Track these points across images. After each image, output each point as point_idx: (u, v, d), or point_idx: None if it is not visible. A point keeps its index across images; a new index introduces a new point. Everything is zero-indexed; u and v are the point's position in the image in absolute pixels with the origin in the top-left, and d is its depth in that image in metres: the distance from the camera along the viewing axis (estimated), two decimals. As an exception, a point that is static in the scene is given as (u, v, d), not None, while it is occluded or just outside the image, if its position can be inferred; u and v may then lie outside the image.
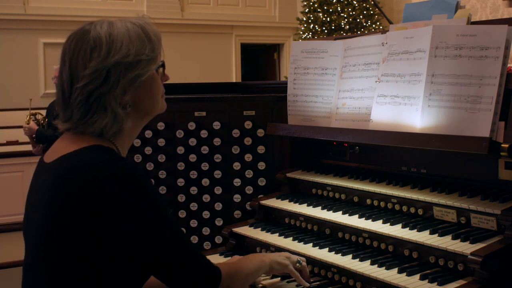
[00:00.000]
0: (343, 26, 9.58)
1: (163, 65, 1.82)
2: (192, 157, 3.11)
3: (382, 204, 2.41)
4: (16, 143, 8.40)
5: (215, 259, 2.57)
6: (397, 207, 2.35)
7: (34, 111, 6.83)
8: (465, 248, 1.92)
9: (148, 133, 3.13)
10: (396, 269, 2.03)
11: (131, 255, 1.62)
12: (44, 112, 7.15)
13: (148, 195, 1.64)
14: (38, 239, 1.64)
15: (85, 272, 1.59)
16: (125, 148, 1.80)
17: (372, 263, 2.11)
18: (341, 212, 2.44)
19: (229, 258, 2.53)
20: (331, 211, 2.48)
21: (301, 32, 9.95)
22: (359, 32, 9.29)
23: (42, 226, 1.63)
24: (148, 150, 3.16)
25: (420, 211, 2.27)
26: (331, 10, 9.68)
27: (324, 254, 2.27)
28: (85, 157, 1.64)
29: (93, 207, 1.57)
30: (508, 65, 2.09)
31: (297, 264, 2.16)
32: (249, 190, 3.05)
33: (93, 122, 1.68)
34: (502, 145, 1.99)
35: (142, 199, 1.62)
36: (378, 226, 2.23)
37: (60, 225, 1.59)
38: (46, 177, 1.68)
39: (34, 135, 6.25)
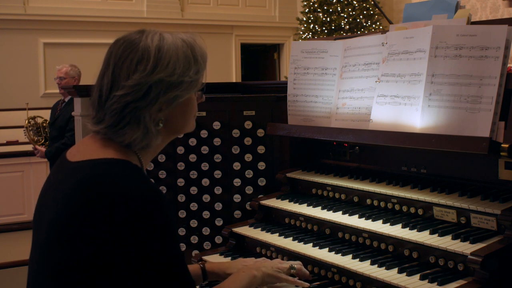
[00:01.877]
0: (343, 26, 9.58)
1: (203, 89, 1.80)
2: (192, 157, 3.11)
3: (382, 204, 2.41)
4: (16, 143, 8.41)
5: (215, 259, 2.58)
6: (397, 207, 2.35)
7: (32, 115, 6.85)
8: (465, 248, 1.92)
9: (148, 133, 3.13)
10: (396, 269, 2.03)
11: (129, 276, 1.60)
12: (43, 113, 7.17)
13: (165, 226, 1.59)
14: (48, 239, 1.63)
15: (87, 280, 1.58)
16: (147, 162, 1.79)
17: (372, 263, 2.11)
18: (341, 212, 2.44)
19: (230, 257, 2.53)
20: (331, 211, 2.49)
21: (301, 32, 9.95)
22: (359, 32, 9.29)
23: (53, 226, 1.61)
24: (148, 150, 3.16)
25: (420, 211, 2.27)
26: (331, 10, 9.68)
27: (324, 254, 2.27)
28: (113, 169, 1.61)
29: (109, 219, 1.54)
30: (508, 65, 2.09)
31: (291, 270, 2.13)
32: (249, 190, 3.05)
33: (123, 133, 1.66)
34: (502, 145, 1.99)
35: (155, 228, 1.58)
36: (378, 226, 2.23)
37: (71, 229, 1.58)
38: (67, 176, 1.65)
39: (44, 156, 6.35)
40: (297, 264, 2.18)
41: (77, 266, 1.57)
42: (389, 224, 2.23)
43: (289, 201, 2.72)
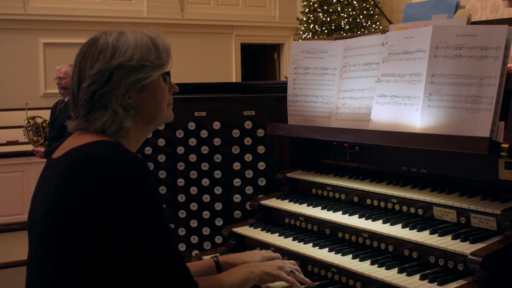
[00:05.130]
0: (343, 26, 9.58)
1: (168, 74, 1.87)
2: (192, 157, 3.11)
3: (382, 204, 2.41)
4: (16, 143, 8.40)
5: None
6: (397, 207, 2.35)
7: (32, 115, 6.85)
8: (465, 248, 1.92)
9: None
10: (396, 269, 2.03)
11: (123, 249, 1.63)
12: (43, 113, 7.17)
13: (149, 191, 1.66)
14: (43, 228, 1.68)
15: (85, 263, 1.61)
16: (131, 150, 1.82)
17: (372, 263, 2.11)
18: (341, 212, 2.44)
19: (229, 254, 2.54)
20: (331, 211, 2.49)
21: (301, 32, 9.95)
22: (359, 32, 9.29)
23: (45, 219, 1.66)
24: (148, 150, 3.16)
25: (420, 211, 2.27)
26: (331, 10, 9.68)
27: (324, 254, 2.27)
28: (95, 147, 1.70)
29: (97, 193, 1.61)
30: (508, 65, 2.09)
31: (291, 274, 2.14)
32: (249, 190, 3.05)
33: (94, 119, 1.75)
34: (502, 145, 1.99)
35: (143, 193, 1.65)
36: (378, 226, 2.23)
37: (65, 212, 1.63)
38: (54, 170, 1.74)
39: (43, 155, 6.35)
40: (297, 270, 2.17)
41: (73, 249, 1.62)
42: (389, 224, 2.23)
43: (289, 201, 2.72)
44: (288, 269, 2.13)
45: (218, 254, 2.24)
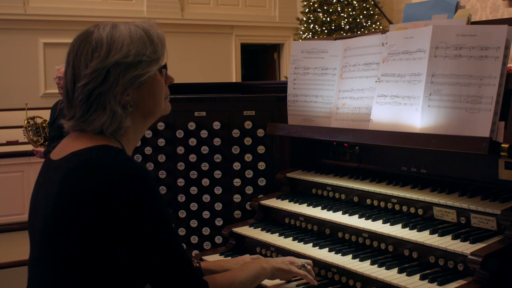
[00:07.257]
0: (343, 26, 9.58)
1: (165, 67, 1.83)
2: (192, 157, 3.11)
3: (382, 204, 2.41)
4: (16, 143, 8.40)
5: (215, 259, 2.57)
6: (397, 207, 2.35)
7: (31, 115, 6.85)
8: (465, 248, 1.92)
9: (148, 133, 3.13)
10: (396, 269, 2.03)
11: (127, 256, 1.63)
12: (43, 113, 7.17)
13: (155, 200, 1.65)
14: (45, 234, 1.66)
15: (88, 268, 1.61)
16: (130, 148, 1.82)
17: (372, 263, 2.11)
18: (341, 212, 2.44)
19: (229, 257, 2.53)
20: (331, 211, 2.49)
21: (301, 32, 9.95)
22: (359, 32, 9.29)
23: (50, 220, 1.65)
24: (148, 150, 3.16)
25: (420, 211, 2.27)
26: (331, 10, 9.68)
27: (324, 254, 2.27)
28: (97, 154, 1.66)
29: (101, 202, 1.59)
30: (508, 65, 2.09)
31: (302, 268, 2.15)
32: (249, 190, 3.05)
33: (92, 120, 1.71)
34: (502, 145, 1.99)
35: (149, 203, 1.64)
36: (378, 226, 2.23)
37: (67, 219, 1.61)
38: (54, 173, 1.70)
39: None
40: (309, 264, 2.18)
41: (76, 255, 1.61)
42: (389, 224, 2.23)
43: (289, 201, 2.72)
44: (300, 263, 2.14)
45: (201, 261, 2.23)
